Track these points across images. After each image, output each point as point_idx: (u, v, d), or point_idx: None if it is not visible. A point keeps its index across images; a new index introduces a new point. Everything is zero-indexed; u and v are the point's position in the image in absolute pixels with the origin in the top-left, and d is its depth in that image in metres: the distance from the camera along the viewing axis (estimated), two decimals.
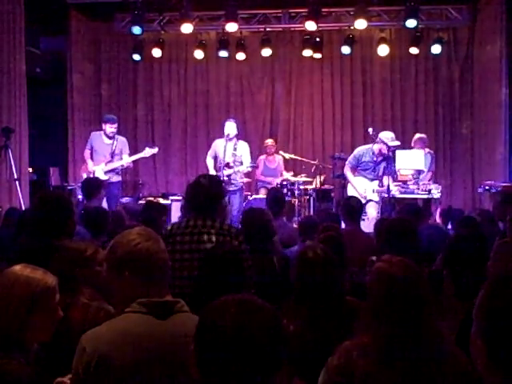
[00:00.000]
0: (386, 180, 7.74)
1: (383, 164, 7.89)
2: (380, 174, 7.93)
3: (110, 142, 8.43)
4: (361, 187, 7.98)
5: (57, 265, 2.77)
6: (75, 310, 2.62)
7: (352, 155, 8.21)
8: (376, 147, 7.90)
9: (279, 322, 1.46)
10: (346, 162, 8.22)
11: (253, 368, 1.37)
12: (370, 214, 7.78)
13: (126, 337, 1.99)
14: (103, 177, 8.04)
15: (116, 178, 8.42)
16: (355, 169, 8.06)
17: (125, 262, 2.07)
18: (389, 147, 7.72)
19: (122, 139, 8.61)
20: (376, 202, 7.90)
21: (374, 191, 7.92)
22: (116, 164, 8.39)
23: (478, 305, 1.54)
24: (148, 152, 8.68)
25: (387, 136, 7.89)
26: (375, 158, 7.93)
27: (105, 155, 8.40)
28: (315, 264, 2.90)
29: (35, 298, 2.14)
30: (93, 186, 6.26)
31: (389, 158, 7.83)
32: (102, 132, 8.56)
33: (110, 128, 8.42)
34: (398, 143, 7.90)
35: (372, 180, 8.00)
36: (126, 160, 8.50)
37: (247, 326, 1.38)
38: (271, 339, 1.40)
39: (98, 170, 8.29)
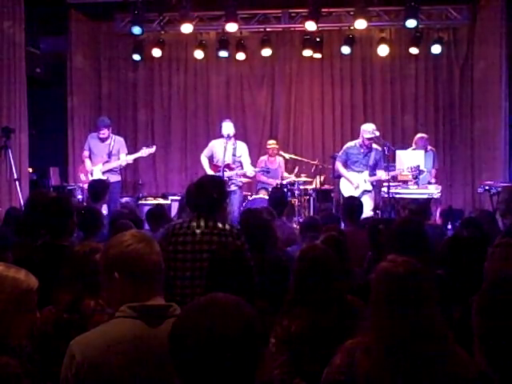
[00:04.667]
0: (380, 173, 8.01)
1: (372, 154, 8.05)
2: (370, 163, 8.08)
3: (108, 142, 8.44)
4: (353, 180, 8.12)
5: (72, 268, 2.75)
6: (98, 315, 2.58)
7: (341, 151, 8.40)
8: (359, 140, 8.16)
9: (253, 319, 1.44)
10: (337, 158, 8.39)
11: (227, 367, 1.36)
12: (365, 210, 7.80)
13: (117, 344, 1.94)
14: (101, 177, 8.03)
15: (115, 178, 8.39)
16: (346, 164, 8.21)
17: (115, 263, 2.03)
18: (368, 139, 7.94)
19: (118, 139, 8.60)
20: (370, 192, 8.07)
21: (365, 181, 8.07)
22: (113, 164, 8.37)
23: (474, 303, 1.64)
24: (145, 152, 8.63)
25: (367, 128, 8.05)
26: (362, 150, 8.11)
27: (102, 156, 8.39)
28: (315, 264, 2.90)
29: (20, 298, 2.12)
30: (100, 188, 6.25)
31: (378, 152, 8.06)
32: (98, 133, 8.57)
33: (101, 133, 8.46)
34: (377, 134, 8.05)
35: (361, 172, 8.13)
36: (124, 160, 8.47)
37: (217, 325, 1.37)
38: (243, 338, 1.38)
39: (96, 170, 8.29)
